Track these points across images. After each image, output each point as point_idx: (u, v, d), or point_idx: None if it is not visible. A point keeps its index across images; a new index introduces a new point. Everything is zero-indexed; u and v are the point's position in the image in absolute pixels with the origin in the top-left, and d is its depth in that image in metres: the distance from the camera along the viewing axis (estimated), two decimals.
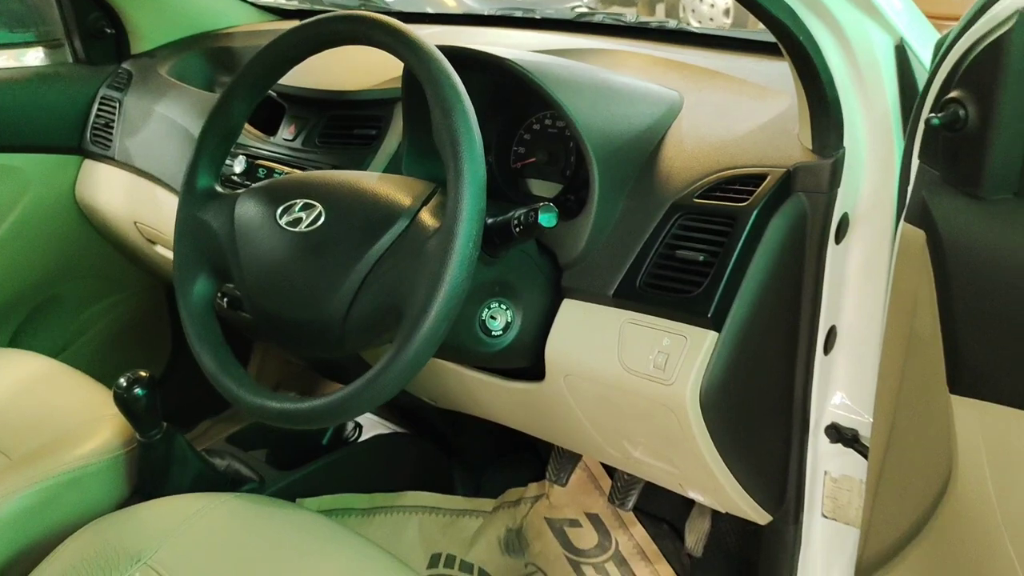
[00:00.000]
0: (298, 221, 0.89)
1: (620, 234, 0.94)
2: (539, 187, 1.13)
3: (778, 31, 0.81)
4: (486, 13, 1.64)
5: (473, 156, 0.77)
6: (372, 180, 0.91)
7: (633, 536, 1.50)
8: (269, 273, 0.89)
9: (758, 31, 1.22)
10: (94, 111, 1.67)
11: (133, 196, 1.56)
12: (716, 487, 0.98)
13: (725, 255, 0.86)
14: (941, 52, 0.71)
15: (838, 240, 0.90)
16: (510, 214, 0.84)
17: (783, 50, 0.84)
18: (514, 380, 1.06)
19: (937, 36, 0.78)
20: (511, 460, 1.70)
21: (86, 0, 1.68)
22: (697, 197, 0.91)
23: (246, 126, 1.08)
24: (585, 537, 1.53)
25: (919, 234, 0.72)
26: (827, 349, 0.95)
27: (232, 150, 1.17)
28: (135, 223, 1.57)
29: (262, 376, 1.94)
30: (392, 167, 1.14)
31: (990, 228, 0.67)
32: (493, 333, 0.93)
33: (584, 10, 1.54)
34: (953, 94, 0.68)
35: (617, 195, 0.95)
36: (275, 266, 0.88)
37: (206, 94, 1.52)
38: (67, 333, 1.82)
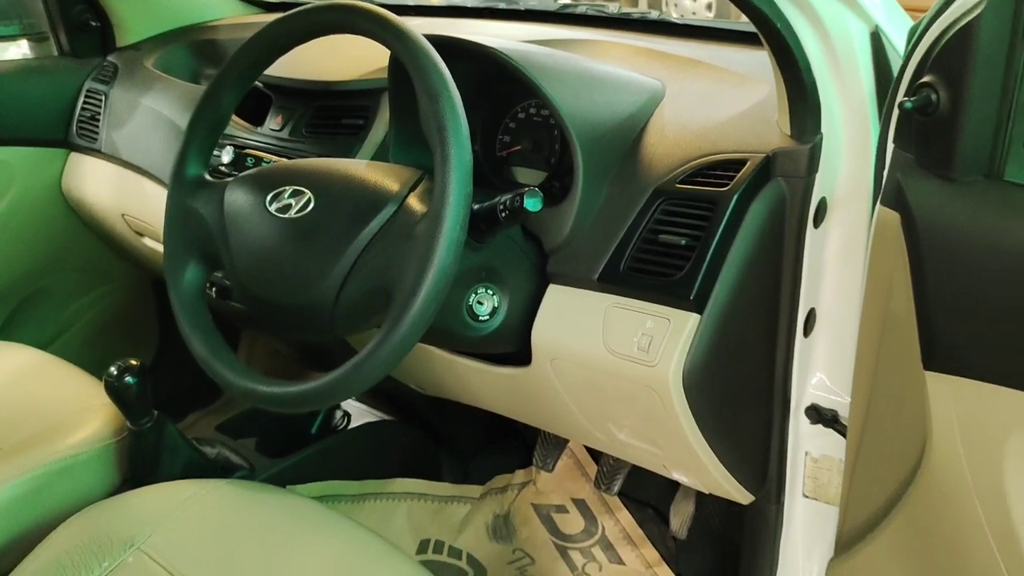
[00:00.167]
0: (288, 208, 0.89)
1: (604, 220, 0.95)
2: (524, 175, 1.15)
3: (757, 19, 0.82)
4: (470, 5, 1.65)
5: (460, 142, 0.78)
6: (361, 167, 0.92)
7: (619, 521, 1.52)
8: (259, 259, 0.89)
9: (739, 21, 1.23)
10: (80, 104, 1.67)
11: (120, 188, 1.56)
12: (699, 467, 0.99)
13: (707, 239, 0.87)
14: (914, 38, 0.72)
15: (816, 224, 0.91)
16: (496, 199, 0.86)
17: (762, 38, 0.85)
18: (501, 365, 1.07)
19: (911, 23, 0.80)
20: (498, 447, 1.71)
21: None
22: (679, 183, 0.92)
23: (233, 117, 1.08)
24: (572, 522, 1.55)
25: (894, 216, 0.73)
26: (807, 331, 0.96)
27: (220, 140, 1.17)
28: (123, 215, 1.57)
29: (250, 367, 1.94)
30: (379, 156, 1.15)
31: (962, 209, 0.69)
32: (480, 318, 0.95)
33: (568, 1, 1.55)
34: (925, 79, 0.69)
35: (601, 181, 0.97)
36: (265, 252, 0.89)
37: (192, 86, 1.52)
38: (55, 326, 1.82)
